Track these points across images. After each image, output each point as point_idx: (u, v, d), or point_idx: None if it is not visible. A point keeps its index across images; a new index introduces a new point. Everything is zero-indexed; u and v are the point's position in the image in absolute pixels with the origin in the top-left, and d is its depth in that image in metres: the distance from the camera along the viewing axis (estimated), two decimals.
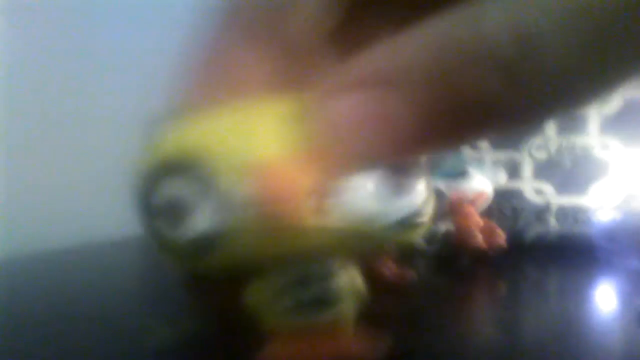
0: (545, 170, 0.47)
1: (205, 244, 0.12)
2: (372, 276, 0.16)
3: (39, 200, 0.43)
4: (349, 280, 0.15)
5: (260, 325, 0.15)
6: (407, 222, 0.13)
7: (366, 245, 0.13)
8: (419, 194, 0.13)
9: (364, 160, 0.11)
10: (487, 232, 0.38)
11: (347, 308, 0.15)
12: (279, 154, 0.11)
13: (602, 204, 0.45)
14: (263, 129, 0.12)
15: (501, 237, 0.38)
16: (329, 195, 0.11)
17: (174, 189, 0.12)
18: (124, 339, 0.19)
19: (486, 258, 0.37)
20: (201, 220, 0.11)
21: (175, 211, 0.12)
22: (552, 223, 0.46)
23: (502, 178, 0.43)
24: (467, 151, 0.47)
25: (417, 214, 0.13)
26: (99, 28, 0.50)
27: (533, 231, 0.47)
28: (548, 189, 0.47)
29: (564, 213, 0.46)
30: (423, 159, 0.13)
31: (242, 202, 0.11)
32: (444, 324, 0.23)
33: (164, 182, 0.12)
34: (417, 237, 0.14)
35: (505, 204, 0.47)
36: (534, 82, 0.09)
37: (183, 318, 0.22)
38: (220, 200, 0.11)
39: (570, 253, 0.43)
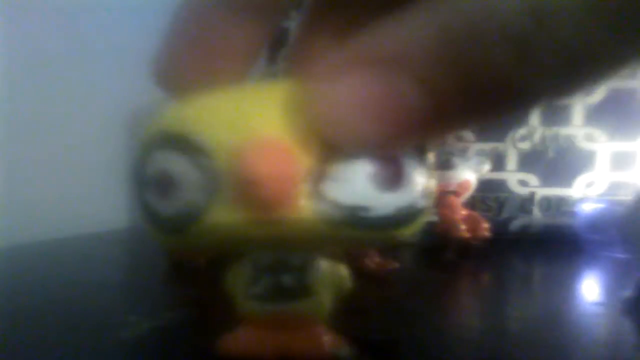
0: (529, 160, 0.47)
1: (188, 215, 0.12)
2: (355, 266, 0.15)
3: (28, 195, 0.43)
4: (329, 272, 0.15)
5: (235, 311, 0.15)
6: (403, 215, 0.12)
7: (357, 237, 0.12)
8: (417, 186, 0.12)
9: (366, 144, 0.10)
10: (471, 223, 0.38)
11: (321, 300, 0.14)
12: (275, 135, 0.11)
13: (586, 195, 0.45)
14: (261, 109, 0.11)
15: (485, 227, 0.38)
16: (324, 181, 0.11)
17: (166, 162, 0.12)
18: (101, 330, 0.19)
19: (470, 248, 0.37)
20: (188, 193, 0.12)
21: (165, 183, 0.12)
22: (536, 213, 0.46)
23: (486, 168, 0.42)
24: (451, 141, 0.47)
25: (413, 206, 0.12)
26: (90, 22, 0.49)
27: (517, 222, 0.47)
28: (532, 179, 0.47)
29: (548, 203, 0.46)
30: (419, 148, 0.12)
31: (232, 179, 0.11)
32: (428, 314, 0.22)
33: (157, 155, 0.12)
34: (414, 230, 0.13)
35: (489, 195, 0.47)
36: (548, 58, 0.08)
37: (161, 309, 0.22)
38: (209, 175, 0.11)
39: (554, 243, 0.43)
